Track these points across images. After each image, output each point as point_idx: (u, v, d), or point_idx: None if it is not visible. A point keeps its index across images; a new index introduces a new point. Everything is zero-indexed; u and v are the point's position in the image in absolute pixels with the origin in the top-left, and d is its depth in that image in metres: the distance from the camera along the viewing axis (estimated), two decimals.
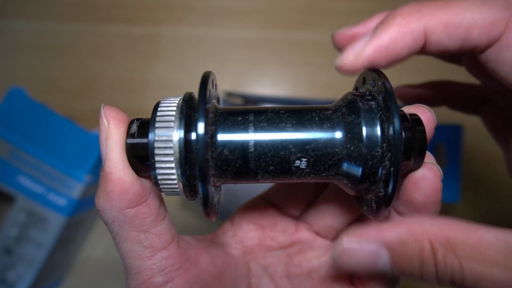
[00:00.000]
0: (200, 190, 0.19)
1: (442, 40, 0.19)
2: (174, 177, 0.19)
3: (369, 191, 0.20)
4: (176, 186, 0.20)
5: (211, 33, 0.54)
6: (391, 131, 0.18)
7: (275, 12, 0.55)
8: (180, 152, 0.19)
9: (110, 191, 0.19)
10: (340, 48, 0.23)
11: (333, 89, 0.52)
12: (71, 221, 0.44)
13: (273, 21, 0.54)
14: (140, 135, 0.20)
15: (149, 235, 0.20)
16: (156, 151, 0.19)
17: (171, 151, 0.19)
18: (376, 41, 0.19)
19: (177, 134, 0.19)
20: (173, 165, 0.19)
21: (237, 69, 0.54)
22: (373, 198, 0.20)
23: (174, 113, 0.19)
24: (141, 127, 0.20)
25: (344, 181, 0.20)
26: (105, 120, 0.19)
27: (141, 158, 0.20)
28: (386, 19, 0.19)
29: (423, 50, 0.20)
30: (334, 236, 0.26)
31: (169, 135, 0.19)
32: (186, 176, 0.19)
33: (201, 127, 0.18)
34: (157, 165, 0.19)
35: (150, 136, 0.19)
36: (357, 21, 0.25)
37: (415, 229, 0.18)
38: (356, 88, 0.24)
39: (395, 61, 0.20)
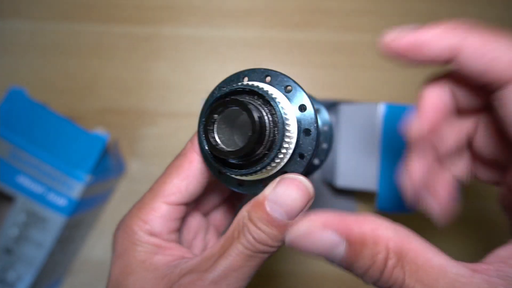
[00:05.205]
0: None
1: (467, 61, 0.21)
2: None
3: None
4: None
5: (211, 33, 0.54)
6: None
7: (275, 12, 0.55)
8: None
9: None
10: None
11: (334, 89, 0.52)
12: (71, 221, 0.44)
13: (273, 21, 0.54)
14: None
15: None
16: None
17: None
18: (417, 34, 0.21)
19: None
20: None
21: (237, 69, 0.54)
22: None
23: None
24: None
25: None
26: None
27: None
28: (436, 23, 0.21)
29: (453, 63, 0.22)
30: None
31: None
32: None
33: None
34: None
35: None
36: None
37: (379, 231, 0.19)
38: None
39: (421, 58, 0.22)
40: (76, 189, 0.43)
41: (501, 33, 0.21)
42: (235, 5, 0.55)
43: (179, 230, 0.28)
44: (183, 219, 0.28)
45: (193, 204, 0.30)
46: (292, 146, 0.22)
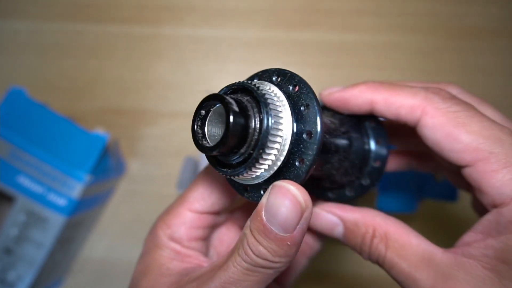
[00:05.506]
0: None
1: (382, 110, 0.26)
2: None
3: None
4: None
5: (211, 33, 0.54)
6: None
7: (275, 12, 0.55)
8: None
9: None
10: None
11: None
12: (71, 221, 0.44)
13: (273, 21, 0.54)
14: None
15: None
16: None
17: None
18: (342, 92, 0.27)
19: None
20: None
21: (237, 69, 0.54)
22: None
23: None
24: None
25: None
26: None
27: None
28: (356, 84, 0.27)
29: (374, 113, 0.27)
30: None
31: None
32: None
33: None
34: None
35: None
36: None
37: (368, 217, 0.25)
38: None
39: (348, 109, 0.27)
40: (76, 189, 0.43)
41: (399, 87, 0.26)
42: (235, 5, 0.55)
43: (204, 239, 0.27)
44: (210, 229, 0.28)
45: (225, 215, 0.29)
46: (284, 147, 0.21)
